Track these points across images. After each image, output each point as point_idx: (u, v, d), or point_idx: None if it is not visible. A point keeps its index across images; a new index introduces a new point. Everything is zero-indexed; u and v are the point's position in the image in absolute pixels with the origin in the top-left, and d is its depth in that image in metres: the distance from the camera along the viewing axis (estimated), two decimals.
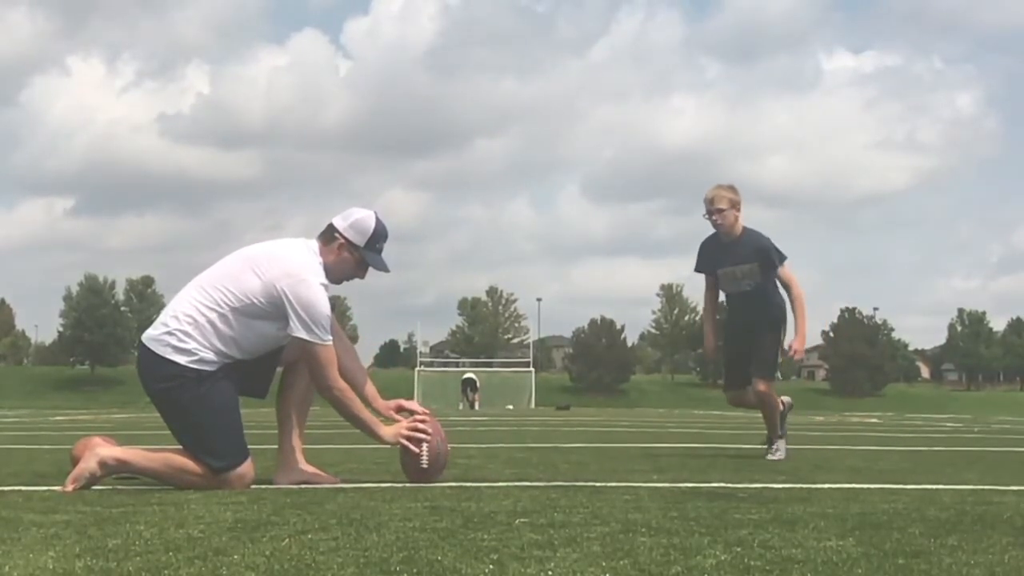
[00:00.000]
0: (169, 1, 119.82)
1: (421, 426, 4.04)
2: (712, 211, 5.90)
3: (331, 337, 3.87)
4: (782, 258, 5.94)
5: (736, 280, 5.98)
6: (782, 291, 6.03)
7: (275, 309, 3.82)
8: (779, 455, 5.95)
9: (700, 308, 6.30)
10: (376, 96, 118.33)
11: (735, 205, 5.90)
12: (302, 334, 3.80)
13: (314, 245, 4.00)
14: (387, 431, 4.03)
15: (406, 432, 4.02)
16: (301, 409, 4.13)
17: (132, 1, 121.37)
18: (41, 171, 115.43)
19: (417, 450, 4.01)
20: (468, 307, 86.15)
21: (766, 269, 5.93)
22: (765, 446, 6.17)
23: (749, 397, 6.05)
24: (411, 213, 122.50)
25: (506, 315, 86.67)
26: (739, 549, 2.29)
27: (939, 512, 3.04)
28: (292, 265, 3.87)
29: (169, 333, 3.82)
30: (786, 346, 5.94)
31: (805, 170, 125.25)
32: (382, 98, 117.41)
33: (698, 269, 6.18)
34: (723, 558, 2.18)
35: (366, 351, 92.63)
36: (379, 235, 4.04)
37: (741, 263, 5.93)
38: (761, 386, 5.93)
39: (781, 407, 6.12)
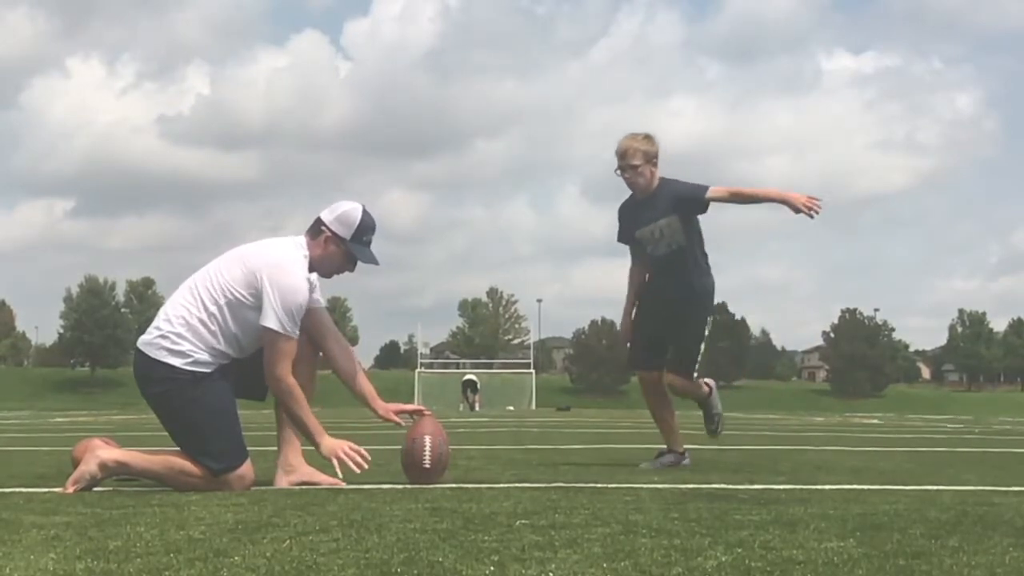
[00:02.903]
0: (169, 2, 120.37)
1: (363, 453, 3.91)
2: (624, 167, 5.10)
3: (297, 332, 3.83)
4: (703, 188, 5.03)
5: (655, 241, 5.13)
6: (711, 269, 5.24)
7: (259, 301, 3.81)
8: (718, 408, 5.44)
9: None
10: (376, 97, 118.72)
11: (650, 160, 5.10)
12: (270, 321, 3.76)
13: (302, 241, 4.00)
14: (326, 443, 3.92)
15: (341, 455, 3.89)
16: None
17: (132, 2, 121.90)
18: (41, 172, 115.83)
19: (340, 474, 3.89)
20: (468, 308, 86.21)
21: (688, 221, 5.10)
22: (711, 426, 5.52)
23: (663, 388, 5.31)
24: (411, 214, 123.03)
25: (506, 316, 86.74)
26: (740, 550, 2.29)
27: (940, 513, 3.04)
28: (275, 257, 3.88)
29: (163, 336, 3.82)
30: (798, 206, 4.75)
31: (805, 170, 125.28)
32: (382, 99, 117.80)
33: (620, 239, 5.32)
34: (724, 559, 2.17)
35: (366, 352, 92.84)
36: (366, 227, 4.01)
37: (658, 218, 5.08)
38: (675, 380, 5.26)
39: (707, 389, 5.42)
